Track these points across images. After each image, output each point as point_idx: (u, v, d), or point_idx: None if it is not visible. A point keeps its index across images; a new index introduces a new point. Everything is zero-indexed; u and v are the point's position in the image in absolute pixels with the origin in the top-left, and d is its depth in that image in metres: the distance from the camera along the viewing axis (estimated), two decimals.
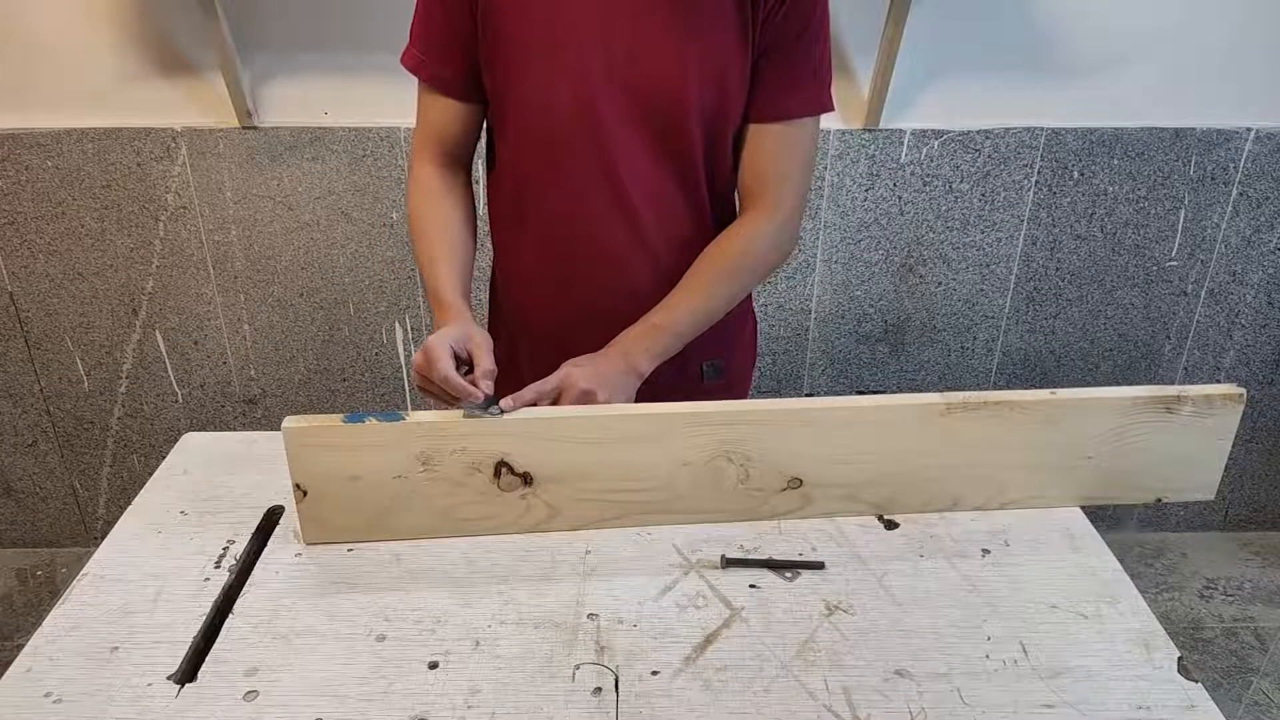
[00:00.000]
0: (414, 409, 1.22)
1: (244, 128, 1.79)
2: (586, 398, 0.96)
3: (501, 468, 0.93)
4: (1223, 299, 2.03)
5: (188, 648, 0.83)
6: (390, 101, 1.78)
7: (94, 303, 1.94)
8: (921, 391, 0.97)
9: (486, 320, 1.27)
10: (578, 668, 0.81)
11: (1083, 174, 1.89)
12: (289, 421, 0.89)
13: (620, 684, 0.79)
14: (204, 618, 0.86)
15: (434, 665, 0.81)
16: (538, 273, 1.12)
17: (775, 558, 0.94)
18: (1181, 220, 1.95)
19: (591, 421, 0.92)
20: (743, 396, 1.26)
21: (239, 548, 0.95)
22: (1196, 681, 0.80)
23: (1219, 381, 1.83)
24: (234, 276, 1.93)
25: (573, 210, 1.06)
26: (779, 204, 1.06)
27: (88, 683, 0.79)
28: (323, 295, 1.96)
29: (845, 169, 1.87)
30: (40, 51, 1.73)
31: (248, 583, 0.91)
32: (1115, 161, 1.88)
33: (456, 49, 1.02)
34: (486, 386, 0.91)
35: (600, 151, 1.01)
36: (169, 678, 0.79)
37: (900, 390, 2.08)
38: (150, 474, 1.08)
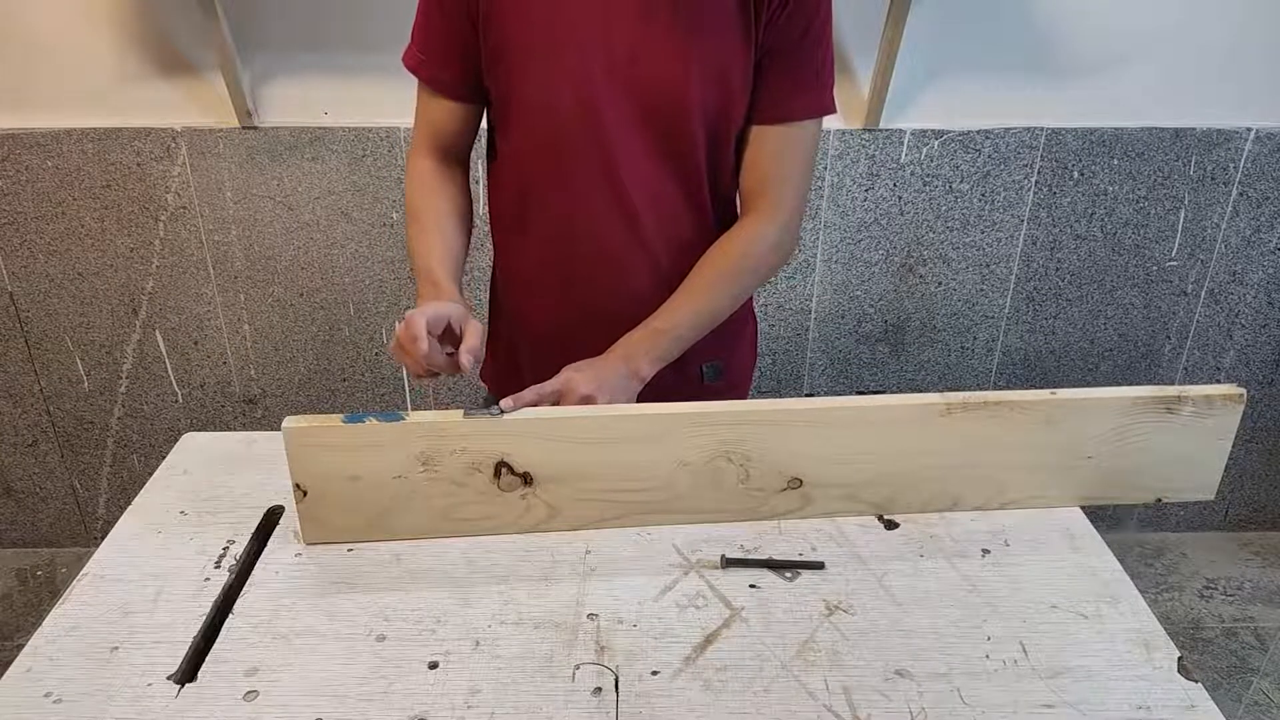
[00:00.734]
0: (414, 409, 1.22)
1: (244, 128, 1.79)
2: (587, 402, 0.96)
3: (501, 468, 0.93)
4: (1223, 299, 2.03)
5: (188, 648, 0.83)
6: (390, 101, 1.78)
7: (94, 303, 1.94)
8: (921, 391, 0.97)
9: (486, 321, 1.27)
10: (578, 668, 0.81)
11: (1083, 174, 1.89)
12: (289, 421, 0.89)
13: (620, 684, 0.79)
14: (204, 618, 0.86)
15: (434, 665, 0.81)
16: (539, 274, 1.12)
17: (775, 558, 0.94)
18: (1181, 220, 1.95)
19: (591, 421, 0.92)
20: (743, 397, 1.26)
21: (239, 548, 0.95)
22: (1196, 681, 0.80)
23: (1219, 381, 1.83)
24: (234, 276, 1.93)
25: (575, 212, 1.06)
26: (780, 206, 1.06)
27: (88, 683, 0.79)
28: (323, 295, 1.96)
29: (845, 169, 1.87)
30: (40, 51, 1.73)
31: (248, 583, 0.91)
32: (1115, 161, 1.88)
33: (455, 51, 1.02)
34: (466, 361, 0.92)
35: (602, 153, 1.01)
36: (169, 678, 0.79)
37: (900, 390, 2.08)
38: (150, 474, 1.08)
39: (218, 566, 0.93)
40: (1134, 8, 1.75)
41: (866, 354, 2.07)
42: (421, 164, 1.10)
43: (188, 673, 0.80)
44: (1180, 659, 0.83)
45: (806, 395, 2.10)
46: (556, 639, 0.84)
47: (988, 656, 0.82)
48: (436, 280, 1.02)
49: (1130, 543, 2.29)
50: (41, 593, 2.12)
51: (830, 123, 1.77)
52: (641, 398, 1.02)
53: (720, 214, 1.11)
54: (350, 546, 0.95)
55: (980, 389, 1.20)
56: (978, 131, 1.84)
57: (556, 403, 0.97)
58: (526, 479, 0.94)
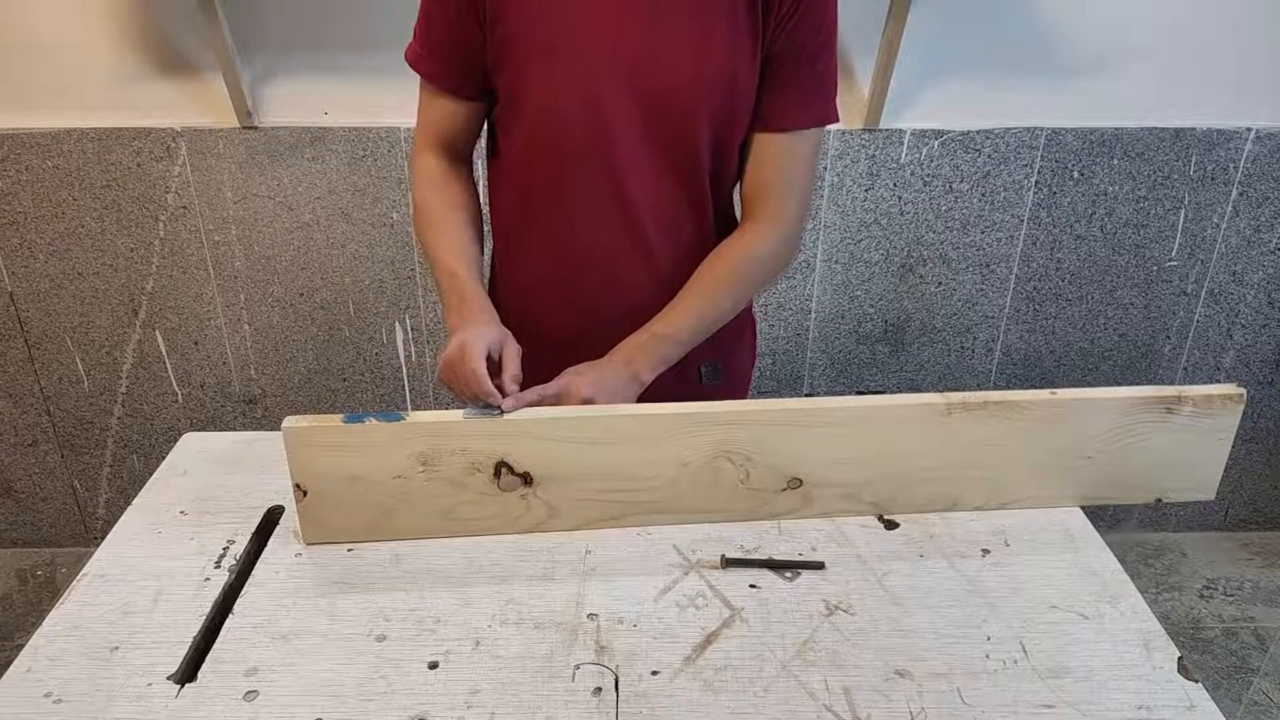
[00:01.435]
0: (414, 409, 1.22)
1: (244, 128, 1.79)
2: (586, 404, 0.97)
3: (501, 468, 0.93)
4: (1223, 299, 2.03)
5: (188, 648, 0.83)
6: (390, 101, 1.78)
7: (94, 303, 1.94)
8: (921, 391, 0.97)
9: None
10: (578, 668, 0.81)
11: (1083, 174, 1.89)
12: (289, 421, 0.89)
13: (620, 684, 0.79)
14: (204, 618, 0.86)
15: (434, 665, 0.81)
16: (541, 275, 1.12)
17: (775, 558, 0.94)
18: (1181, 220, 1.95)
19: (591, 421, 0.92)
20: (742, 398, 1.26)
21: (239, 548, 0.95)
22: (1196, 681, 0.80)
23: (1219, 381, 1.83)
24: (234, 276, 1.93)
25: (577, 214, 1.05)
26: (781, 214, 1.06)
27: (88, 683, 0.79)
28: (323, 295, 1.96)
29: (845, 169, 1.87)
30: (40, 51, 1.73)
31: (248, 583, 0.91)
32: (1115, 161, 1.88)
33: (459, 48, 1.02)
34: (512, 391, 0.93)
35: (606, 156, 1.01)
36: (169, 678, 0.79)
37: (900, 390, 2.08)
38: (150, 474, 1.08)
39: (218, 566, 0.93)
40: (1134, 8, 1.75)
41: (866, 354, 2.07)
42: (429, 163, 1.09)
43: (188, 673, 0.80)
44: (1180, 659, 0.83)
45: (806, 395, 2.10)
46: (556, 639, 0.84)
47: (988, 656, 0.82)
48: (463, 291, 1.01)
49: (1130, 543, 2.29)
50: (41, 593, 2.12)
51: None
52: (641, 399, 1.02)
53: (721, 219, 1.11)
54: (350, 546, 0.95)
55: (980, 389, 1.20)
56: (978, 131, 1.84)
57: (556, 404, 0.97)
58: (526, 479, 0.94)
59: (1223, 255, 1.99)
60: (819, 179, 1.87)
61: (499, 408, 0.91)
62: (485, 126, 1.12)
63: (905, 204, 1.91)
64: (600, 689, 0.78)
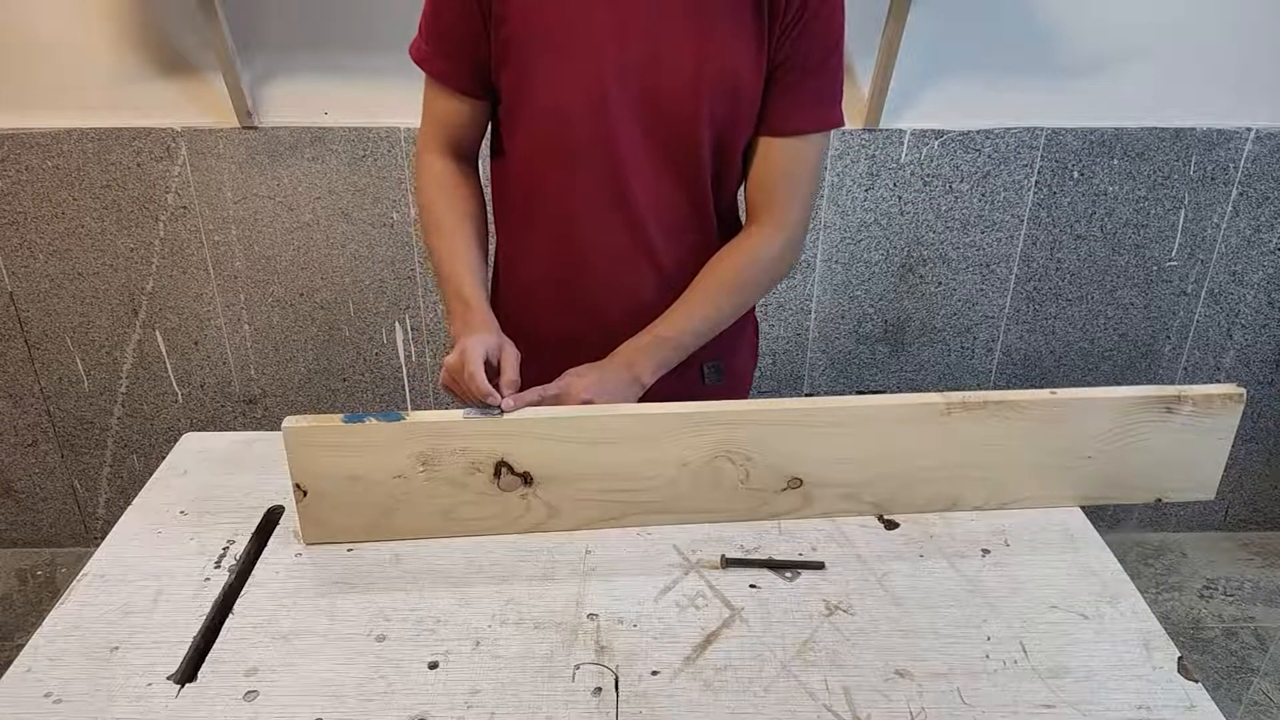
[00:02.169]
0: (414, 409, 1.22)
1: (244, 128, 1.79)
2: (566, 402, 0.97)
3: (501, 468, 0.93)
4: (1223, 299, 2.03)
5: (188, 648, 0.83)
6: (390, 101, 1.78)
7: (94, 303, 1.94)
8: (921, 391, 0.97)
9: None
10: (578, 668, 0.81)
11: (1083, 174, 1.89)
12: (289, 421, 0.89)
13: (620, 684, 0.79)
14: (204, 618, 0.86)
15: (434, 665, 0.81)
16: (542, 276, 1.12)
17: (775, 558, 0.94)
18: (1181, 220, 1.95)
19: (591, 421, 0.92)
20: (743, 398, 1.26)
21: (239, 548, 0.95)
22: (1196, 681, 0.80)
23: (1219, 381, 1.83)
24: (234, 276, 1.93)
25: (579, 215, 1.05)
26: (786, 219, 1.06)
27: (88, 683, 0.79)
28: (323, 295, 1.96)
29: (845, 169, 1.87)
30: (40, 51, 1.73)
31: (248, 583, 0.91)
32: (1115, 161, 1.88)
33: (464, 46, 1.02)
34: (509, 394, 0.93)
35: (610, 158, 1.01)
36: (169, 678, 0.79)
37: (900, 390, 2.08)
38: (150, 474, 1.08)
39: (218, 566, 0.93)
40: (1134, 8, 1.75)
41: (866, 354, 2.07)
42: (435, 163, 1.09)
43: (188, 673, 0.80)
44: (1180, 659, 0.83)
45: (806, 395, 2.10)
46: (556, 639, 0.84)
47: (988, 656, 0.82)
48: (468, 299, 1.02)
49: (1130, 543, 2.29)
50: (41, 593, 2.12)
51: None
52: (643, 399, 1.02)
53: (724, 221, 1.11)
54: (350, 546, 0.95)
55: (980, 389, 1.20)
56: (978, 131, 1.84)
57: (556, 405, 0.97)
58: (526, 479, 0.94)
59: (1223, 255, 1.99)
60: None
61: (499, 408, 0.91)
62: (490, 126, 1.12)
63: (905, 204, 1.91)
64: (600, 689, 0.78)
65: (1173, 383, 2.11)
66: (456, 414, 0.91)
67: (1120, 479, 1.01)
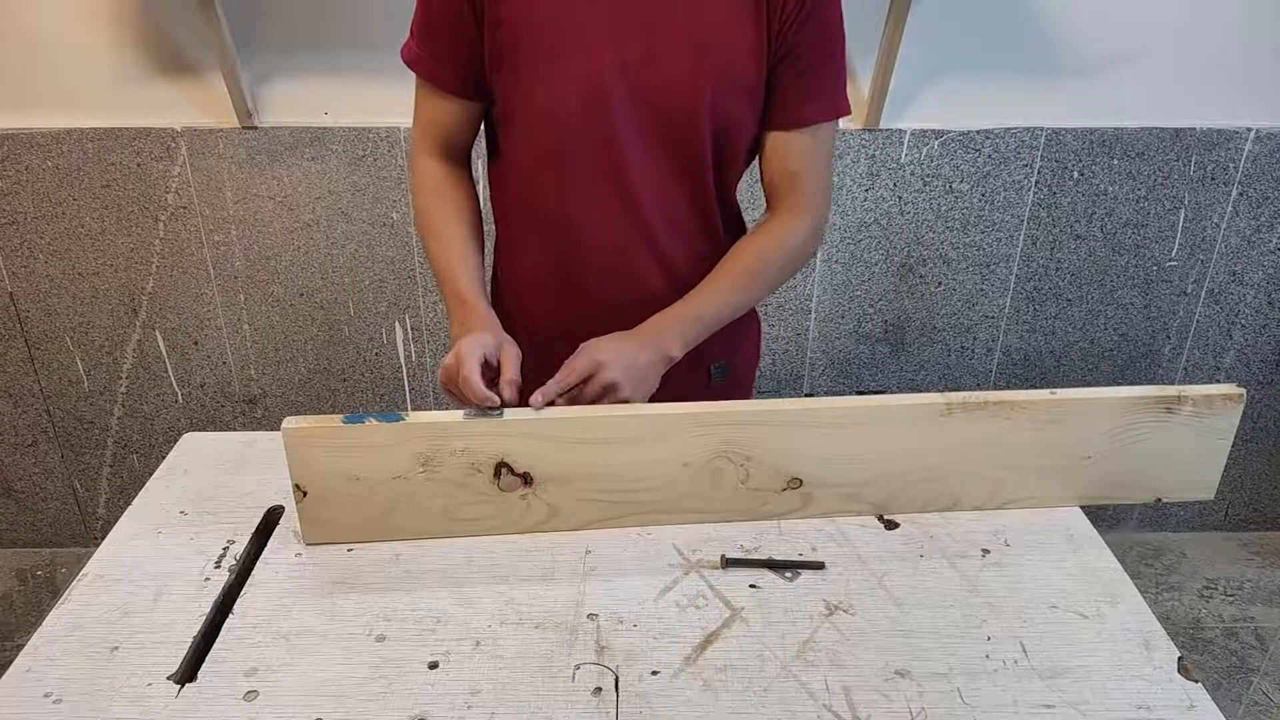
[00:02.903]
0: (414, 409, 1.22)
1: (244, 128, 1.79)
2: (611, 389, 0.95)
3: (501, 468, 0.93)
4: (1223, 299, 2.03)
5: (188, 648, 0.83)
6: (390, 101, 1.78)
7: (94, 303, 1.94)
8: (921, 391, 0.97)
9: None
10: (578, 668, 0.81)
11: (1083, 174, 1.89)
12: (289, 422, 0.89)
13: (620, 684, 0.79)
14: (204, 618, 0.86)
15: (434, 665, 0.81)
16: (542, 276, 1.12)
17: (775, 558, 0.94)
18: (1181, 220, 1.95)
19: (591, 421, 0.92)
20: (746, 396, 1.26)
21: (239, 548, 0.95)
22: (1196, 681, 0.80)
23: (1219, 381, 1.83)
24: (234, 276, 1.93)
25: (579, 216, 1.05)
26: (812, 202, 1.08)
27: (88, 683, 0.79)
28: (323, 295, 1.96)
29: (845, 169, 1.87)
30: (40, 51, 1.73)
31: (248, 583, 0.91)
32: (1115, 161, 1.88)
33: (458, 47, 1.02)
34: (509, 394, 0.92)
35: (610, 159, 1.01)
36: (169, 678, 0.79)
37: (900, 390, 2.08)
38: (150, 474, 1.08)
39: (218, 566, 0.93)
40: (1134, 8, 1.75)
41: (866, 354, 2.07)
42: (428, 166, 1.09)
43: (188, 673, 0.80)
44: (1180, 659, 0.83)
45: (806, 395, 2.10)
46: (556, 639, 0.84)
47: (988, 656, 0.82)
48: (465, 298, 1.02)
49: (1130, 543, 2.29)
50: (41, 593, 2.12)
51: None
52: (653, 399, 1.02)
53: (727, 212, 1.11)
54: (350, 546, 0.95)
55: (980, 389, 1.20)
56: (978, 131, 1.84)
57: (584, 384, 0.96)
58: (526, 479, 0.94)
59: (1223, 255, 1.99)
60: None
61: (499, 408, 0.91)
62: (484, 126, 1.12)
63: (905, 204, 1.91)
64: (600, 689, 0.78)
65: (1173, 383, 2.11)
66: (456, 414, 0.91)
67: (1120, 479, 1.01)
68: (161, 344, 1.99)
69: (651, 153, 1.01)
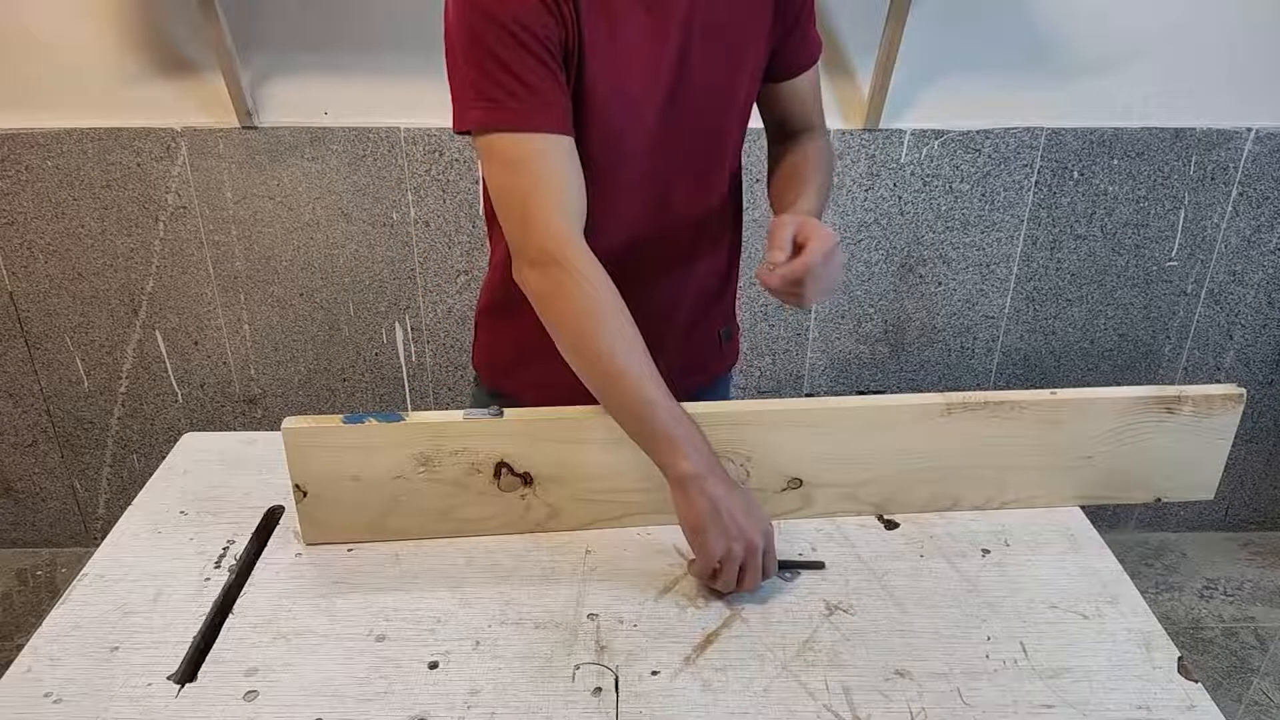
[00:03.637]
0: (414, 409, 1.22)
1: (244, 128, 1.79)
2: (825, 242, 0.90)
3: (501, 468, 0.93)
4: (1223, 299, 2.03)
5: (188, 648, 0.83)
6: (390, 102, 1.77)
7: (94, 303, 1.94)
8: (921, 391, 0.97)
9: (475, 320, 1.23)
10: (578, 668, 0.81)
11: (1083, 174, 1.89)
12: (289, 422, 0.89)
13: (620, 684, 0.79)
14: (204, 618, 0.86)
15: (434, 665, 0.81)
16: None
17: None
18: (1181, 220, 1.95)
19: (591, 421, 0.92)
20: (734, 360, 1.27)
21: (239, 548, 0.95)
22: (1196, 681, 0.80)
23: (1219, 381, 1.83)
24: (234, 276, 1.93)
25: (624, 245, 1.02)
26: (823, 121, 1.16)
27: (88, 683, 0.79)
28: (323, 295, 1.96)
29: (845, 169, 1.87)
30: (40, 51, 1.73)
31: (248, 583, 0.91)
32: (1115, 161, 1.88)
33: (560, 92, 0.90)
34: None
35: (656, 191, 1.01)
36: (169, 678, 0.79)
37: (900, 390, 2.08)
38: (150, 474, 1.08)
39: (218, 566, 0.93)
40: (1134, 8, 1.75)
41: (866, 354, 2.07)
42: (590, 264, 0.88)
43: (188, 673, 0.80)
44: (1180, 659, 0.83)
45: (806, 395, 2.10)
46: (556, 639, 0.84)
47: (988, 656, 0.82)
48: (686, 432, 0.87)
49: (1130, 543, 2.29)
50: (41, 593, 2.12)
51: (830, 122, 1.77)
52: (673, 366, 0.96)
53: (732, 216, 1.14)
54: (350, 546, 0.95)
55: (980, 389, 1.20)
56: (978, 131, 1.84)
57: (803, 245, 0.91)
58: (526, 479, 0.94)
59: (1223, 255, 1.99)
60: None
61: (499, 408, 0.91)
62: None
63: (905, 204, 1.91)
64: (600, 689, 0.78)
65: (1173, 383, 2.11)
66: (457, 414, 0.91)
67: (1120, 479, 1.01)
68: (161, 344, 1.99)
69: (690, 177, 1.04)
